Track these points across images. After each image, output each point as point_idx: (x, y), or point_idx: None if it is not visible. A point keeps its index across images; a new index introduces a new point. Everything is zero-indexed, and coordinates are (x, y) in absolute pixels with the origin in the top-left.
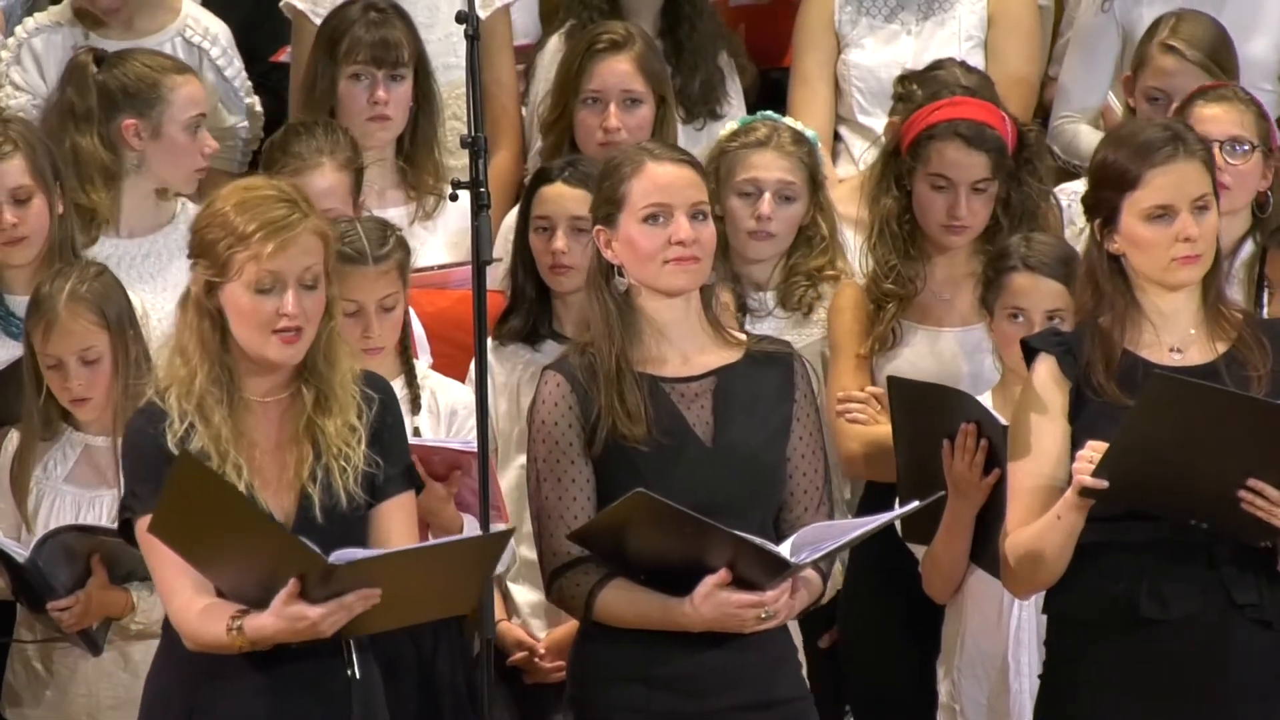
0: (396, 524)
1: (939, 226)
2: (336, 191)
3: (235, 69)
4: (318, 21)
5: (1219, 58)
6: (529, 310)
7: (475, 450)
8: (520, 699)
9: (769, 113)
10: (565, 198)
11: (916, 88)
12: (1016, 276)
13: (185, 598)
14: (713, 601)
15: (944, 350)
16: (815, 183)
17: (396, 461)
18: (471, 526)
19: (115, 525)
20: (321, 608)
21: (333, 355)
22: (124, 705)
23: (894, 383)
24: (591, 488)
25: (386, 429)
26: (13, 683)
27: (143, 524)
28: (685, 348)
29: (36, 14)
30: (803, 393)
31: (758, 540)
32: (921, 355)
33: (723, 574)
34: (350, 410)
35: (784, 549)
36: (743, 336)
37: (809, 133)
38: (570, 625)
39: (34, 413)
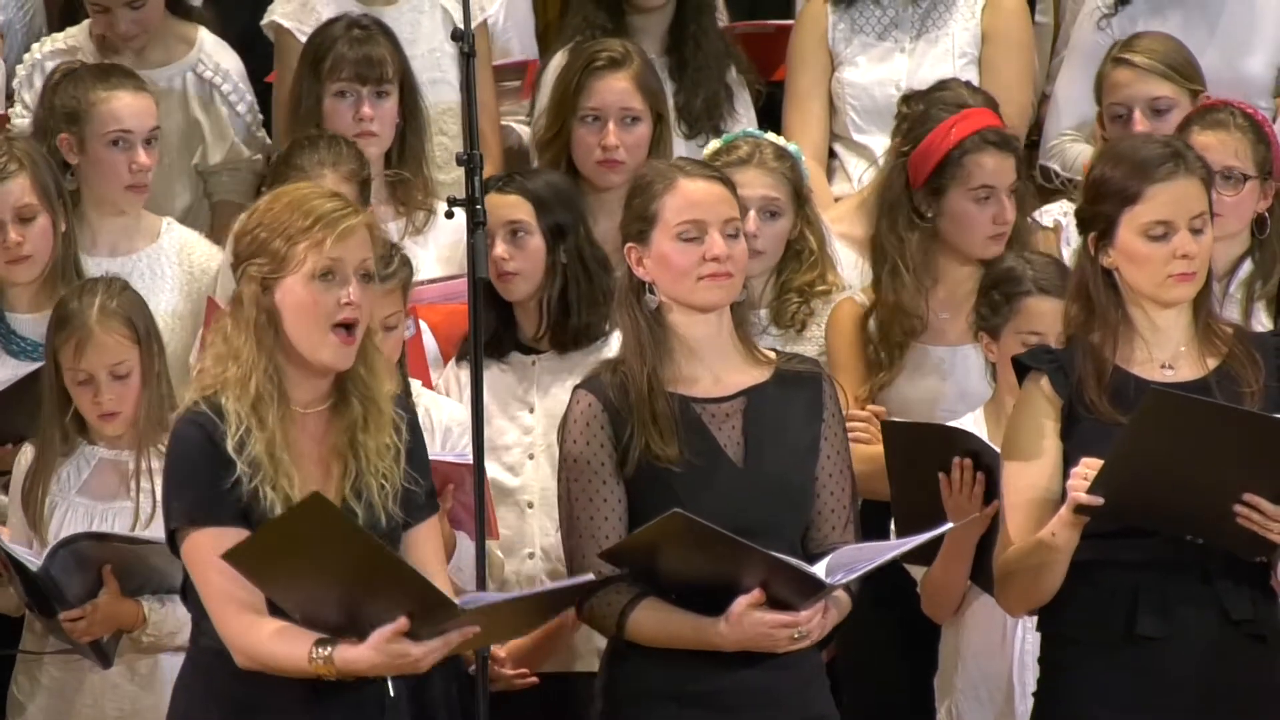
0: (430, 550)
1: (985, 239)
2: None
3: (247, 104)
4: (301, 39)
5: (1177, 65)
6: (488, 326)
7: (469, 462)
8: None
9: (751, 129)
10: (497, 205)
11: (923, 107)
12: (1031, 300)
13: (246, 618)
14: (746, 621)
15: (941, 369)
16: (800, 197)
17: (423, 485)
18: (463, 542)
19: (130, 533)
20: (424, 645)
21: (375, 366)
22: (129, 718)
23: (888, 427)
24: (623, 507)
25: (416, 450)
26: (16, 694)
27: (193, 538)
28: (716, 366)
29: (55, 34)
30: (830, 412)
31: (793, 561)
32: (921, 374)
33: (757, 594)
34: (388, 428)
35: (819, 569)
36: (772, 355)
37: (791, 147)
38: (531, 635)
39: (55, 428)
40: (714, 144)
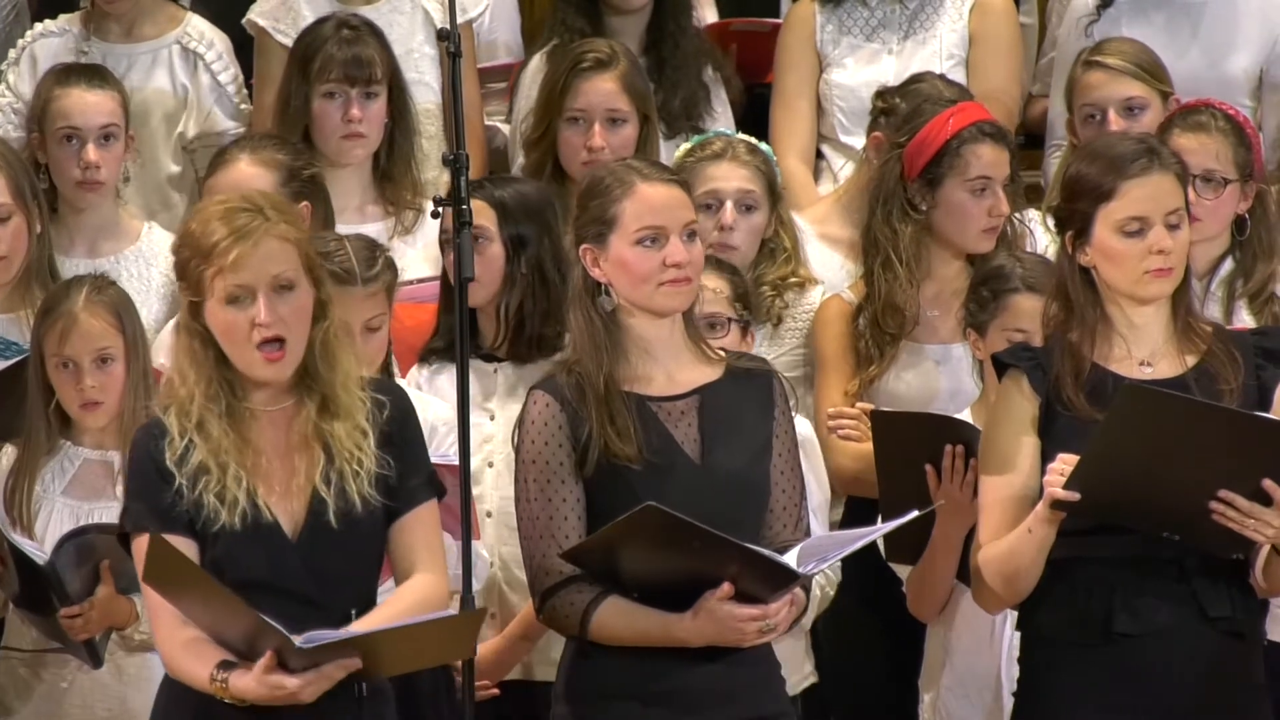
0: (419, 538)
1: (979, 232)
2: (255, 185)
3: (230, 75)
4: (279, 38)
5: (1147, 66)
6: (448, 330)
7: (453, 464)
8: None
9: (723, 129)
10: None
11: (899, 100)
12: (1018, 298)
13: (171, 627)
14: (716, 615)
15: (931, 366)
16: (774, 193)
17: (417, 469)
18: (448, 543)
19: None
20: (299, 679)
21: (331, 358)
22: (119, 717)
23: (877, 417)
24: (582, 507)
25: (401, 433)
26: (2, 696)
27: (138, 544)
28: (669, 365)
29: (46, 20)
30: (781, 410)
31: (766, 552)
32: (911, 372)
33: (726, 588)
34: (358, 412)
35: (789, 559)
36: (722, 353)
37: (764, 146)
38: (493, 642)
39: (40, 424)
40: (685, 145)
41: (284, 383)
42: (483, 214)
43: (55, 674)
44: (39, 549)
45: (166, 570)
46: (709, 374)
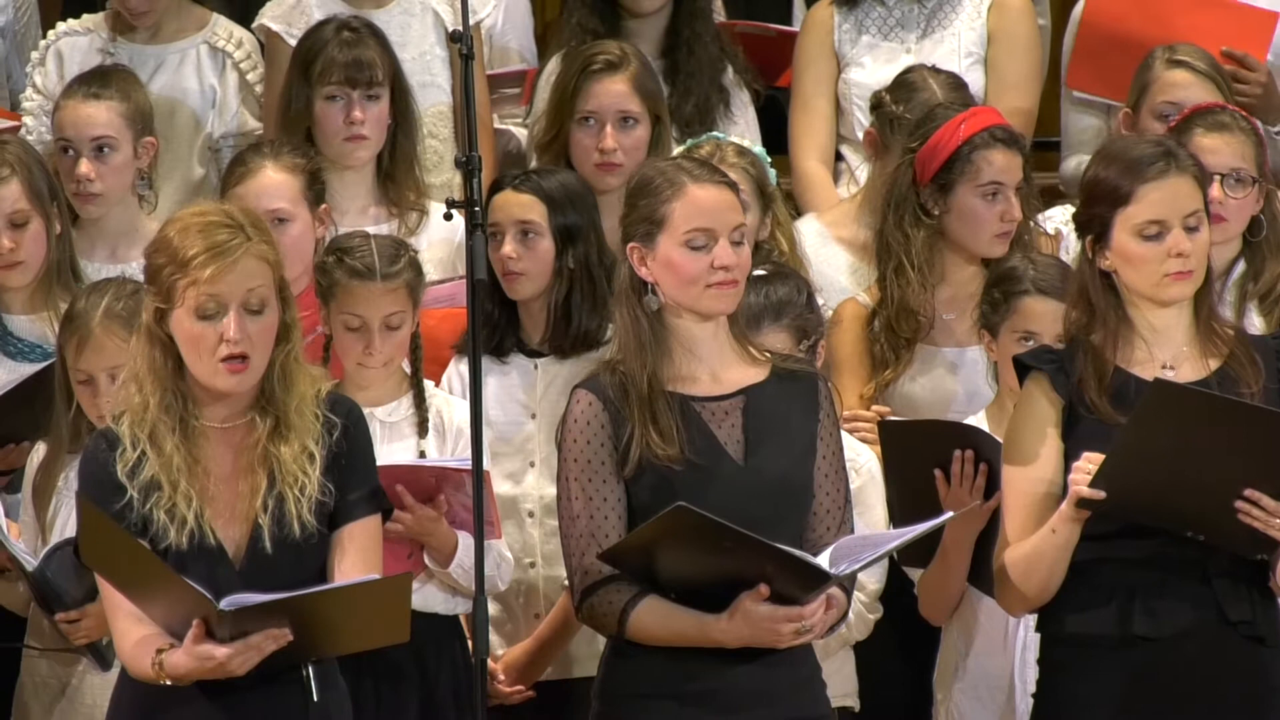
0: (353, 550)
1: (991, 237)
2: (283, 191)
3: (259, 75)
4: (291, 42)
5: (1220, 71)
6: (492, 324)
7: (467, 468)
8: None
9: (715, 134)
10: (511, 204)
11: (886, 95)
12: (1029, 300)
13: (123, 625)
14: (751, 616)
15: (945, 369)
16: (766, 195)
17: (359, 485)
18: (466, 543)
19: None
20: (228, 648)
21: (289, 380)
22: None
23: (885, 427)
24: (623, 507)
25: (348, 453)
26: (21, 694)
27: None
28: (714, 365)
29: (70, 19)
30: (825, 412)
31: (797, 553)
32: (926, 375)
33: (761, 589)
34: (308, 435)
35: (822, 560)
36: (767, 354)
37: (757, 149)
38: (525, 645)
39: (64, 425)
40: (677, 150)
41: (240, 400)
42: (533, 209)
43: (66, 672)
44: (31, 555)
45: (99, 542)
46: (754, 375)
